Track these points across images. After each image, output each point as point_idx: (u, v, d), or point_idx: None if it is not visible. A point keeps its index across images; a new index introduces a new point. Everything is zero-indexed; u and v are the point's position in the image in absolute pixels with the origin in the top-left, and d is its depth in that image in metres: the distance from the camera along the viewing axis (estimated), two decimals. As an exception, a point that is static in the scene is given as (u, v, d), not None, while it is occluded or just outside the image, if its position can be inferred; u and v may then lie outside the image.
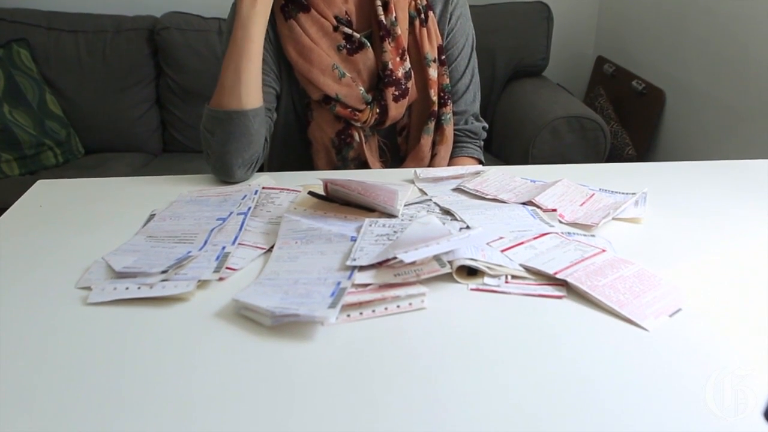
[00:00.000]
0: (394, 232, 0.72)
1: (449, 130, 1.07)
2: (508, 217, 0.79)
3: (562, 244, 0.71)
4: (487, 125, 1.15)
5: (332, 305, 0.58)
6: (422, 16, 1.03)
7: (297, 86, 1.05)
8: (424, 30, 1.03)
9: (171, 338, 0.57)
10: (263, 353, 0.55)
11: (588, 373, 0.52)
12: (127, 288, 0.63)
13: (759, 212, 0.82)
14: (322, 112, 1.04)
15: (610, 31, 2.37)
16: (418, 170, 0.95)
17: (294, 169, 1.05)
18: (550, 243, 0.71)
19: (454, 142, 1.10)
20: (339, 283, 0.62)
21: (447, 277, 0.65)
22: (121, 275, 0.66)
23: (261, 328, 0.58)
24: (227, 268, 0.68)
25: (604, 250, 0.70)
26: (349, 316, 0.60)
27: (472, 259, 0.65)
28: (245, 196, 0.84)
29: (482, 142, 1.16)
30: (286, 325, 0.58)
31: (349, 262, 0.66)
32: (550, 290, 0.64)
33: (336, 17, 0.99)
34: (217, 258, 0.69)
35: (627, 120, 2.10)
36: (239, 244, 0.72)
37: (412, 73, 1.03)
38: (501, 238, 0.72)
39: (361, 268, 0.65)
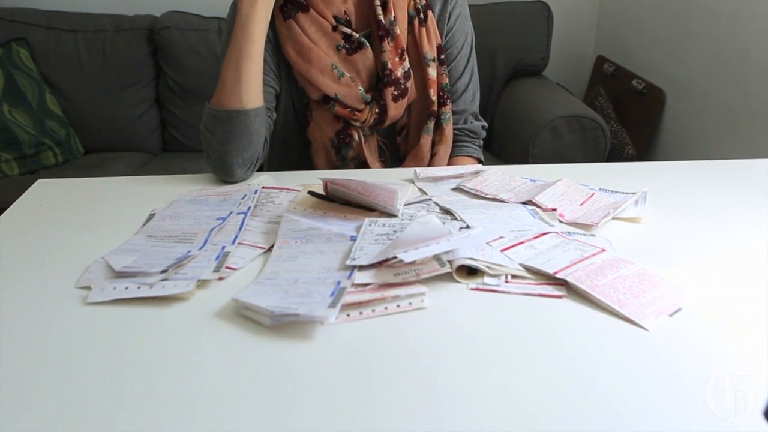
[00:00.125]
0: (394, 231, 0.72)
1: (449, 129, 1.07)
2: (508, 216, 0.79)
3: (562, 244, 0.71)
4: (486, 124, 1.15)
5: (332, 305, 0.58)
6: (421, 15, 1.03)
7: (296, 86, 1.05)
8: (423, 29, 1.03)
9: (171, 338, 0.57)
10: (263, 353, 0.55)
11: (588, 372, 0.52)
12: (126, 287, 0.63)
13: (759, 212, 0.82)
14: (321, 111, 1.04)
15: (610, 31, 2.37)
16: (418, 170, 0.95)
17: (293, 169, 1.05)
18: (550, 242, 0.71)
19: (454, 141, 1.10)
20: (339, 283, 0.62)
21: (447, 277, 0.65)
22: (121, 275, 0.66)
23: (261, 328, 0.58)
24: (227, 267, 0.68)
25: (604, 250, 0.70)
26: (348, 315, 0.60)
27: (472, 259, 0.65)
28: (245, 195, 0.84)
29: (482, 142, 1.16)
30: (285, 324, 0.58)
31: (348, 262, 0.66)
32: (550, 290, 0.64)
33: (335, 17, 0.99)
34: (217, 257, 0.69)
35: (627, 119, 2.10)
36: (239, 243, 0.72)
37: (412, 72, 1.03)
38: (501, 237, 0.72)
39: (361, 267, 0.65)
